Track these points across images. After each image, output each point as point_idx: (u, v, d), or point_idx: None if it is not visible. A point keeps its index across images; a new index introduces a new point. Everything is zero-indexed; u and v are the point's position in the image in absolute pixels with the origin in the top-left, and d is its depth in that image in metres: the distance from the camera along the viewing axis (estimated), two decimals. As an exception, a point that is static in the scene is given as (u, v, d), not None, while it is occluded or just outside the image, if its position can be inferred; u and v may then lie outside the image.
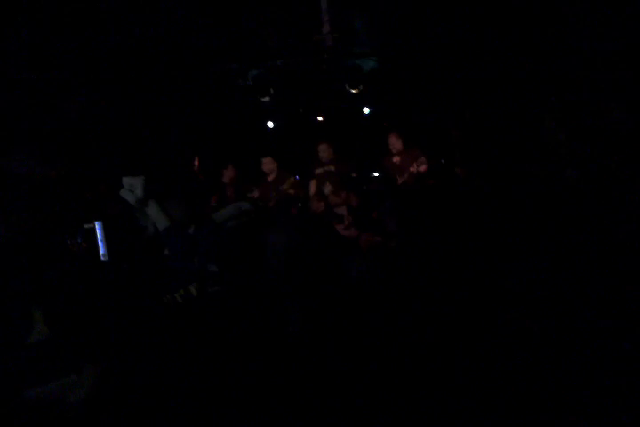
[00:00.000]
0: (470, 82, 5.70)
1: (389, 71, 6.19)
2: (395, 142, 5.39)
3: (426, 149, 5.46)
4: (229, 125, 6.59)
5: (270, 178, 5.70)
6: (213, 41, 5.01)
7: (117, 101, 5.36)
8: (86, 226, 2.90)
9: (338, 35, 5.00)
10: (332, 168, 5.52)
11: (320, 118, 6.85)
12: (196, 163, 5.83)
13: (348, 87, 6.15)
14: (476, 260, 3.37)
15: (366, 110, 6.76)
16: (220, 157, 6.23)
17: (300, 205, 5.46)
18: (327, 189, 5.05)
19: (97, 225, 3.06)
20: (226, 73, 5.67)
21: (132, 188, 3.07)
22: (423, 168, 5.12)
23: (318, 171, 5.54)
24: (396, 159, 5.37)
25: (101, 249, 3.05)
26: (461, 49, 5.42)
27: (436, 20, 5.09)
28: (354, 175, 5.48)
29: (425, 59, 5.77)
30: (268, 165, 5.65)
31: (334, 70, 5.86)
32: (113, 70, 5.06)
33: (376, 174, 6.04)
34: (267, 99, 5.96)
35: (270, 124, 6.67)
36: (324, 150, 5.50)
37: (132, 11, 4.33)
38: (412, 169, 5.15)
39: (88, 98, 5.13)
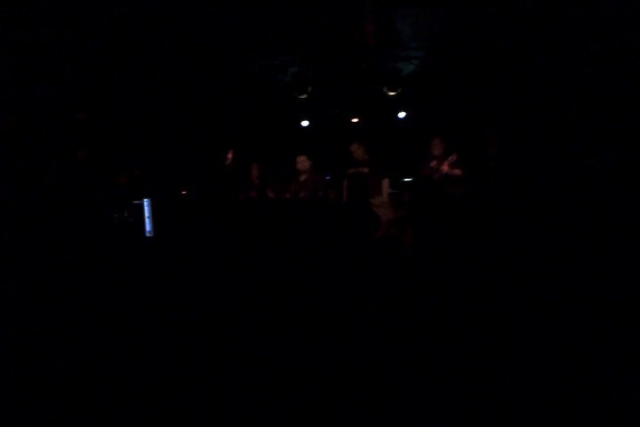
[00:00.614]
0: (507, 92, 5.61)
1: (429, 76, 6.14)
2: (437, 146, 5.32)
3: (463, 156, 5.39)
4: (265, 122, 6.63)
5: (302, 178, 5.69)
6: (256, 36, 5.07)
7: (154, 94, 5.47)
8: (135, 202, 3.02)
9: (380, 35, 4.99)
10: (366, 170, 5.50)
11: (355, 120, 6.83)
12: (230, 156, 5.88)
13: (386, 90, 6.12)
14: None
15: (402, 114, 6.70)
16: (252, 153, 6.28)
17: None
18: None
19: (145, 202, 3.22)
20: (267, 68, 5.71)
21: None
22: (457, 172, 5.03)
23: (351, 171, 5.51)
24: (433, 164, 5.30)
25: (147, 225, 3.21)
26: (502, 58, 5.35)
27: (478, 28, 5.04)
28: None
29: (467, 66, 5.71)
30: (303, 163, 5.64)
31: (374, 72, 5.85)
32: (152, 63, 5.18)
33: (408, 179, 5.98)
34: (304, 96, 5.97)
35: (305, 123, 6.68)
36: (356, 150, 5.48)
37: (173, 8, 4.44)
38: (444, 168, 5.07)
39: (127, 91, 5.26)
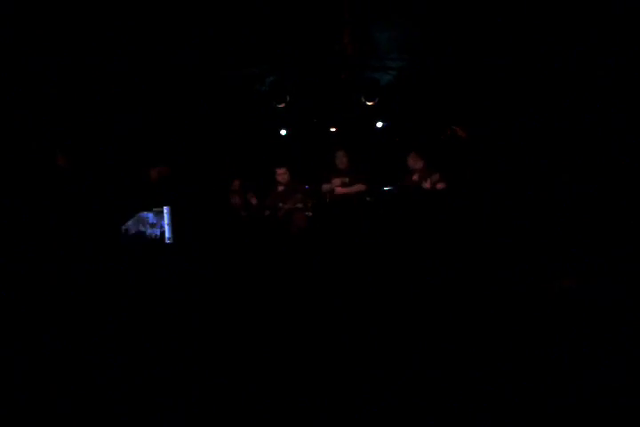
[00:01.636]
0: (485, 101, 5.71)
1: (406, 86, 6.21)
2: (414, 162, 5.35)
3: (442, 167, 5.45)
4: (243, 131, 6.60)
5: (281, 188, 5.67)
6: (232, 45, 5.05)
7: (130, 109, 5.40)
8: (155, 209, 3.13)
9: (358, 45, 5.03)
10: (347, 180, 5.51)
11: (333, 129, 6.85)
12: (237, 183, 5.83)
13: (363, 99, 6.16)
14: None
15: (379, 124, 6.75)
16: (231, 163, 6.24)
17: (309, 214, 5.44)
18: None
19: (165, 210, 3.43)
20: (244, 78, 5.70)
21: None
22: (441, 186, 5.06)
23: (334, 181, 5.52)
24: (415, 177, 5.33)
25: (167, 232, 3.40)
26: (479, 69, 5.45)
27: (457, 39, 5.13)
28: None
29: (443, 76, 5.79)
30: (283, 175, 5.62)
31: (352, 81, 5.88)
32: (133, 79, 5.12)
33: (388, 188, 6.00)
34: (282, 106, 5.97)
35: (283, 132, 6.67)
36: (340, 157, 5.50)
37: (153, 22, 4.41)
38: (426, 185, 5.11)
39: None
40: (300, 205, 5.48)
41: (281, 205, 5.50)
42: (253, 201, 5.76)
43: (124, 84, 5.14)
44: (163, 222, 3.37)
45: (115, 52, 4.79)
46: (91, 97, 4.96)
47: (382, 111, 6.55)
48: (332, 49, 5.06)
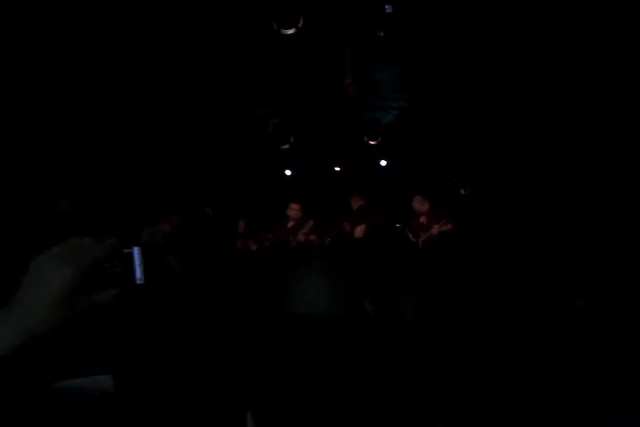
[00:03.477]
0: (486, 140, 5.78)
1: (408, 125, 6.30)
2: (420, 206, 5.32)
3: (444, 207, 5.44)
4: (248, 172, 6.66)
5: (290, 224, 5.64)
6: (237, 88, 5.17)
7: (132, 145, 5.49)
8: (125, 251, 3.04)
9: (359, 86, 5.14)
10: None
11: (337, 169, 6.91)
12: (242, 224, 5.81)
13: (366, 139, 6.23)
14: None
15: (383, 163, 6.81)
16: (237, 204, 6.25)
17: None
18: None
19: (135, 250, 3.27)
20: (248, 120, 5.80)
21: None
22: (448, 227, 5.02)
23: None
24: (422, 219, 5.30)
25: (137, 273, 3.22)
26: (479, 106, 5.55)
27: (457, 78, 5.25)
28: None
29: (444, 115, 5.89)
30: (296, 211, 5.59)
31: (354, 122, 5.98)
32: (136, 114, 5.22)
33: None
34: (286, 147, 6.04)
35: (288, 173, 6.72)
36: (356, 202, 5.49)
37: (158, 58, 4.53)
38: (434, 231, 5.06)
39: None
40: (312, 238, 5.42)
41: (291, 238, 5.44)
42: (253, 247, 5.71)
43: (127, 129, 5.24)
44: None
45: (117, 101, 4.90)
46: (98, 142, 5.06)
47: (386, 150, 6.63)
48: (335, 90, 5.16)
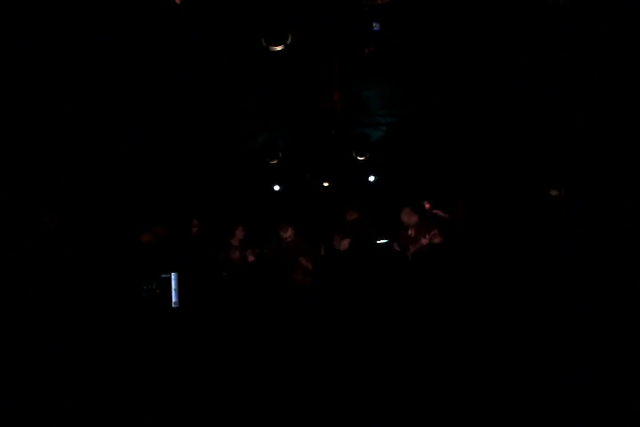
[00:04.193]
0: (474, 155, 5.83)
1: (396, 141, 6.34)
2: (408, 218, 5.32)
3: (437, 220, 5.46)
4: (236, 187, 6.63)
5: (284, 242, 5.61)
6: (226, 103, 5.18)
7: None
8: (163, 276, 3.38)
9: (347, 102, 5.17)
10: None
11: (326, 184, 6.91)
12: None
13: (355, 155, 6.25)
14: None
15: (372, 178, 6.82)
16: (226, 218, 6.20)
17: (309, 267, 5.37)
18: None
19: (172, 275, 3.80)
20: (237, 135, 5.80)
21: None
22: (438, 240, 5.01)
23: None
24: (411, 231, 5.29)
25: (174, 297, 3.71)
26: (466, 121, 5.61)
27: (445, 94, 5.31)
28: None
29: (432, 130, 5.94)
30: (286, 231, 5.56)
31: (342, 137, 6.00)
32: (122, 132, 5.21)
33: (384, 240, 5.95)
34: (275, 162, 6.04)
35: (276, 188, 6.71)
36: (351, 215, 5.50)
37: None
38: (424, 241, 5.05)
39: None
40: (302, 260, 5.39)
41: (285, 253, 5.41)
42: (251, 258, 5.65)
43: (113, 140, 5.22)
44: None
45: (112, 120, 4.90)
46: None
47: (374, 166, 6.65)
48: (323, 106, 5.18)
